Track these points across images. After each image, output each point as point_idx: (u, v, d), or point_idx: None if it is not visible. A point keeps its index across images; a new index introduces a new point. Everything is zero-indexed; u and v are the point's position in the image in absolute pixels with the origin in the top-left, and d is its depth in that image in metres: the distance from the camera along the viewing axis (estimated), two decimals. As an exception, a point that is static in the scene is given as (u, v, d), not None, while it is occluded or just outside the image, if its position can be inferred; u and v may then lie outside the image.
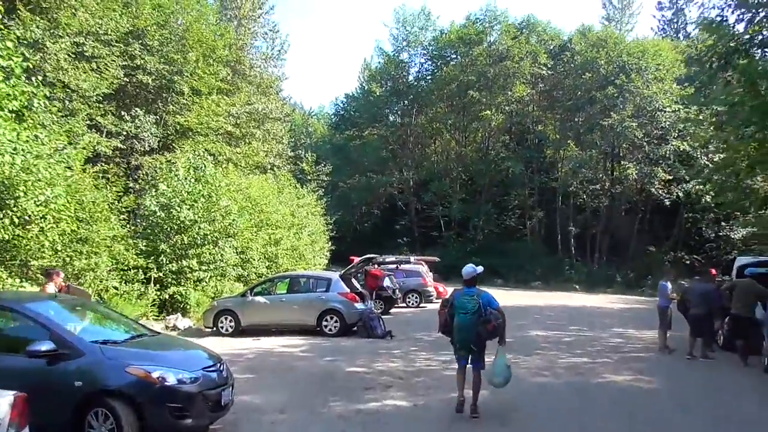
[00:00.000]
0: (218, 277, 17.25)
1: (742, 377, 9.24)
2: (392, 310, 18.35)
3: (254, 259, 20.38)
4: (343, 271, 14.93)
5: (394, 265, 19.68)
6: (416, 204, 43.69)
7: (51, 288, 7.62)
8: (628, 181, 37.17)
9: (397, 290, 18.42)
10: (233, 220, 17.34)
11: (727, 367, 9.93)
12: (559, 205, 39.66)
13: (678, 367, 10.00)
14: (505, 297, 27.92)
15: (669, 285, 11.43)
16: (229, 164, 23.77)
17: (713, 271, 11.59)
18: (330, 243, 32.32)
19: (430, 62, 46.37)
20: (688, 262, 36.03)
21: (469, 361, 6.64)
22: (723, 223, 36.99)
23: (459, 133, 45.02)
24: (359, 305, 13.41)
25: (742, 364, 9.94)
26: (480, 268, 6.70)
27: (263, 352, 11.20)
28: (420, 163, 45.79)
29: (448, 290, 24.88)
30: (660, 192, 34.44)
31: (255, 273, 20.21)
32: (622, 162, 35.80)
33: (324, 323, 13.12)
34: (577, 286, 35.23)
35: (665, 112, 34.33)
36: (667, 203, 34.84)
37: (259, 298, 13.98)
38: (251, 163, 27.85)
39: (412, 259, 20.48)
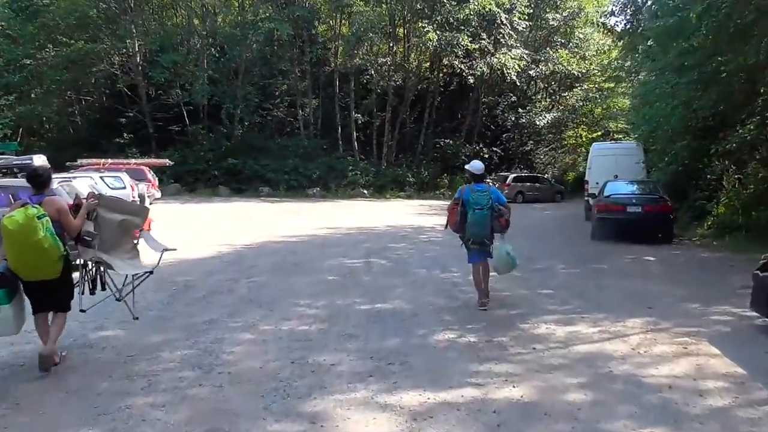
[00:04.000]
0: None
1: None
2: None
3: None
4: None
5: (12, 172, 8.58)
6: (147, 88, 31.13)
7: None
8: (427, 51, 29.80)
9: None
10: None
11: None
12: (337, 91, 31.12)
13: None
14: (272, 218, 18.78)
15: None
16: None
17: None
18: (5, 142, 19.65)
19: None
20: (487, 156, 31.19)
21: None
22: (520, 110, 32.73)
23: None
24: None
25: None
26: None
27: None
28: (149, 30, 32.49)
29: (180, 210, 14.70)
30: (462, 67, 27.81)
31: None
32: (420, 23, 28.00)
33: None
34: (366, 191, 28.07)
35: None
36: (471, 81, 28.59)
37: None
38: None
39: (82, 164, 9.53)
